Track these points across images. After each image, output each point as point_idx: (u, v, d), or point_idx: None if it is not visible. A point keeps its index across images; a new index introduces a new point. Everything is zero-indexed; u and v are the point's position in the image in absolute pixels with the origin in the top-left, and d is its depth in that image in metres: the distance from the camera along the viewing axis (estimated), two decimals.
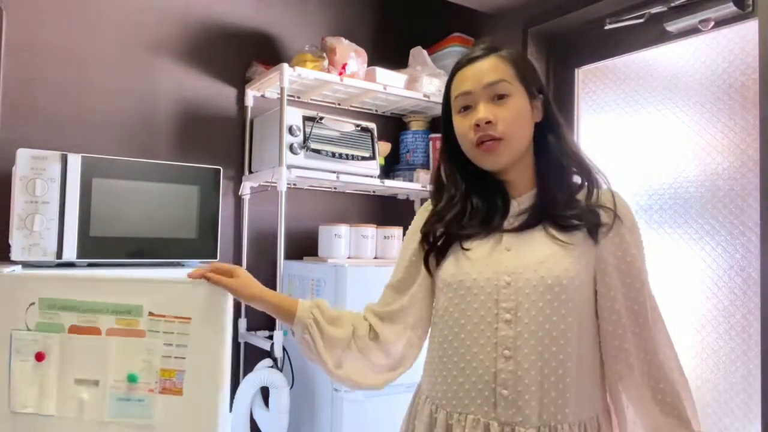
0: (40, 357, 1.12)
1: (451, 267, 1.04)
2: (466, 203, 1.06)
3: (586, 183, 1.03)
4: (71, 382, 1.13)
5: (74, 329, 1.13)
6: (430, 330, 1.11)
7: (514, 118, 0.99)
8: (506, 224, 1.03)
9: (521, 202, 1.04)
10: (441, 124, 1.12)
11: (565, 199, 1.00)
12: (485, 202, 1.05)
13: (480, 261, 1.00)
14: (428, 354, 1.10)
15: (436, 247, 1.07)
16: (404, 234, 1.21)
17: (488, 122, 0.98)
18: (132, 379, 1.12)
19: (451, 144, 1.09)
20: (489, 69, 1.00)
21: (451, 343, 1.02)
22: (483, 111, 0.99)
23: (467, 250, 1.02)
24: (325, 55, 2.11)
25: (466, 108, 1.02)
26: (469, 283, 1.00)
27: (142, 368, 1.13)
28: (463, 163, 1.07)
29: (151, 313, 1.14)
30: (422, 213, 1.15)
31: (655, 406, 0.98)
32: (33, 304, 1.12)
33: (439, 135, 1.30)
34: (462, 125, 1.03)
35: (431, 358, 1.07)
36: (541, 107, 1.04)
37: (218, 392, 1.15)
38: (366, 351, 1.10)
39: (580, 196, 1.02)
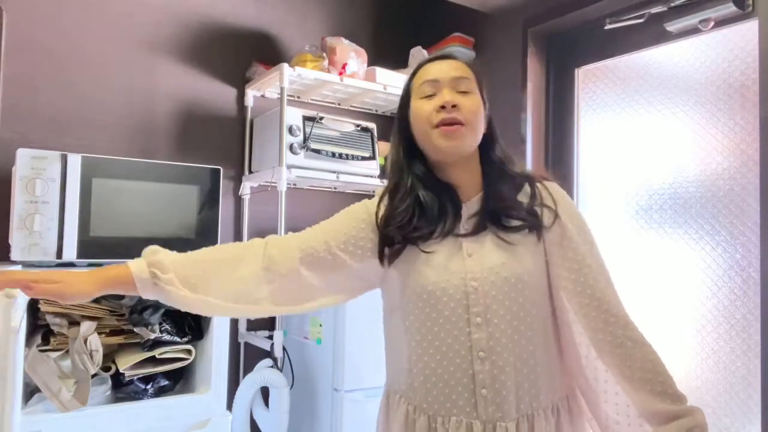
0: None
1: (418, 277, 1.04)
2: (415, 199, 1.06)
3: (527, 184, 1.09)
4: None
5: None
6: (405, 337, 1.07)
7: (476, 109, 1.05)
8: (462, 229, 1.05)
9: (470, 206, 1.08)
10: (396, 117, 1.13)
11: (509, 201, 1.05)
12: (434, 200, 1.06)
13: (445, 269, 1.03)
14: (402, 358, 1.08)
15: (391, 247, 1.06)
16: None
17: (454, 106, 1.02)
18: None
19: (405, 137, 1.10)
20: (455, 67, 1.07)
21: (426, 350, 1.03)
22: (449, 95, 1.03)
23: (429, 253, 1.04)
24: (325, 55, 2.11)
25: (431, 95, 1.05)
26: (438, 293, 1.02)
27: None
28: (415, 157, 1.09)
29: None
30: (364, 206, 1.15)
31: (628, 384, 0.98)
32: None
33: None
34: (424, 108, 1.05)
35: (409, 363, 1.05)
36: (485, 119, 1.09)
37: None
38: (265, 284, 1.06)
39: (524, 196, 1.07)
